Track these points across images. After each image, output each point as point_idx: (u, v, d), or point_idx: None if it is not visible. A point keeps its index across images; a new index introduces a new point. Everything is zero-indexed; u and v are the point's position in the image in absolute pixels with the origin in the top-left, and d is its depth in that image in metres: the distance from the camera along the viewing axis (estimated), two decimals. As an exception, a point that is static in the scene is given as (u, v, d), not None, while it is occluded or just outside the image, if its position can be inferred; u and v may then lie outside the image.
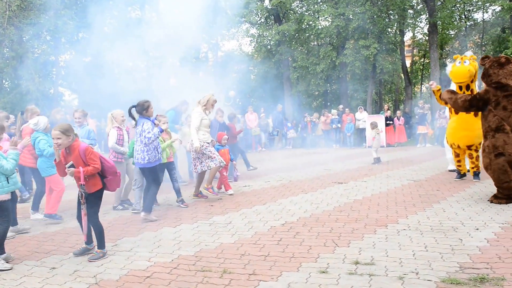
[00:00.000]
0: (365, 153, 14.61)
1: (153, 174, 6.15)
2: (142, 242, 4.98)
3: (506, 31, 25.98)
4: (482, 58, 6.36)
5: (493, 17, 29.10)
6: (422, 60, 36.50)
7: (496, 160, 5.95)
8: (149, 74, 19.84)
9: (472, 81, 7.32)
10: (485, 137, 6.23)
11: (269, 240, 4.82)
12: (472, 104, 6.29)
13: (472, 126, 7.36)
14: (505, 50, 20.02)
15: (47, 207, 6.20)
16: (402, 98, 39.79)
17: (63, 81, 24.29)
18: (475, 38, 32.25)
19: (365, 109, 20.15)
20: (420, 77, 37.44)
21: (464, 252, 4.08)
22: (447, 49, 32.58)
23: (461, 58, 7.35)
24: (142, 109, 6.06)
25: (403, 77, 34.79)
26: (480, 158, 6.91)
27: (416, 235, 4.71)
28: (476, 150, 7.65)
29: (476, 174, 7.98)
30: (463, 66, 7.19)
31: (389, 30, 23.81)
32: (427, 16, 22.80)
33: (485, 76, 6.15)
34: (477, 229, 4.83)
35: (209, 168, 7.20)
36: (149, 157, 6.02)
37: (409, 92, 30.26)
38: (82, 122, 7.10)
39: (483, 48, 31.15)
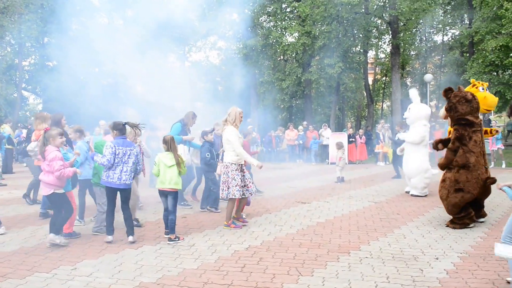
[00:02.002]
0: (328, 170, 14.81)
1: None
2: (103, 266, 4.73)
3: (464, 55, 27.24)
4: (446, 91, 6.54)
5: (452, 40, 30.53)
6: (384, 78, 37.66)
7: (454, 194, 6.15)
8: (116, 82, 19.38)
9: None
10: (448, 168, 6.37)
11: (233, 266, 4.70)
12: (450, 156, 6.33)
13: None
14: (464, 74, 20.88)
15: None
16: (363, 114, 40.89)
17: (27, 85, 23.34)
18: (435, 60, 33.71)
19: (328, 126, 20.52)
20: (381, 95, 38.61)
21: (424, 284, 4.12)
22: (407, 69, 33.81)
23: (482, 84, 7.30)
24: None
25: (365, 94, 35.79)
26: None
27: (378, 264, 4.73)
28: None
29: None
30: (492, 96, 7.40)
31: (353, 49, 24.43)
32: (390, 37, 23.56)
33: (452, 111, 6.33)
34: (437, 258, 4.92)
35: (234, 196, 6.37)
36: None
37: (370, 110, 31.11)
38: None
39: (442, 69, 32.59)
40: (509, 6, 17.07)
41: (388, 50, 27.41)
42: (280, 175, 13.57)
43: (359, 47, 24.99)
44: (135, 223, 6.42)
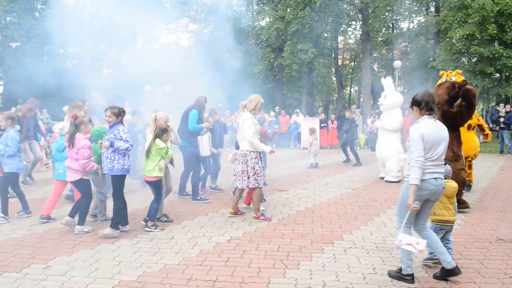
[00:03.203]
0: (301, 155, 14.79)
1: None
2: (78, 264, 4.43)
3: (430, 42, 27.72)
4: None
5: (418, 27, 31.00)
6: (352, 64, 37.97)
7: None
8: (82, 64, 18.60)
9: None
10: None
11: (216, 260, 4.52)
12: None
13: (466, 139, 7.27)
14: (432, 62, 21.14)
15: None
16: (332, 99, 41.27)
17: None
18: (401, 46, 34.20)
19: (300, 112, 20.47)
20: (350, 80, 39.00)
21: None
22: (374, 55, 34.19)
23: (447, 75, 7.24)
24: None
25: (333, 79, 36.02)
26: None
27: (362, 254, 4.68)
28: (470, 161, 7.77)
29: (468, 186, 7.93)
30: None
31: (325, 35, 24.36)
32: (361, 23, 23.61)
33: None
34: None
35: (256, 185, 6.09)
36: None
37: (340, 95, 31.36)
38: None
39: (408, 56, 33.13)
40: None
41: (359, 36, 27.53)
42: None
43: (330, 33, 24.90)
44: (164, 218, 6.10)
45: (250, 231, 5.60)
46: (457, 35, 17.90)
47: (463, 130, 7.50)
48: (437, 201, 4.04)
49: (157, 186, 5.77)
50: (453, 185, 4.28)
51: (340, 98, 31.26)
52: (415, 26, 32.20)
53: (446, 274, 3.93)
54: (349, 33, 30.61)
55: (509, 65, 17.69)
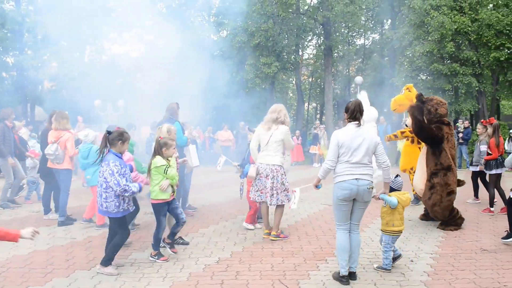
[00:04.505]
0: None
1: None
2: (53, 293, 4.14)
3: (385, 59, 29.04)
4: (419, 96, 6.81)
5: (373, 44, 32.48)
6: (310, 79, 38.93)
7: (447, 197, 6.38)
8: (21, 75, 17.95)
9: None
10: (434, 174, 6.47)
11: (209, 283, 4.40)
12: (433, 134, 6.47)
13: (410, 151, 7.96)
14: (392, 78, 22.05)
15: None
16: (292, 115, 41.96)
17: None
18: (357, 62, 35.59)
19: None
20: (308, 95, 39.89)
21: (412, 289, 4.18)
22: (332, 71, 35.33)
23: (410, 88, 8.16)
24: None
25: (290, 95, 36.70)
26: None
27: (359, 270, 4.72)
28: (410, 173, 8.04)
29: (416, 198, 8.37)
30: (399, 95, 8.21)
31: (288, 50, 24.86)
32: (323, 39, 24.29)
33: (432, 113, 6.55)
34: (412, 261, 5.06)
35: (284, 202, 6.02)
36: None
37: (301, 111, 31.97)
38: None
39: (364, 73, 34.51)
40: (435, 14, 18.50)
41: (320, 51, 28.31)
42: (220, 178, 13.23)
43: (292, 47, 25.49)
44: (180, 241, 5.80)
45: (237, 251, 5.51)
46: (417, 52, 18.87)
47: (407, 143, 8.02)
48: (367, 202, 4.50)
49: (157, 211, 5.11)
50: (408, 195, 4.75)
51: (300, 113, 31.86)
52: (370, 43, 33.71)
53: (336, 277, 4.41)
54: (311, 48, 31.44)
55: (465, 82, 18.87)
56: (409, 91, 8.21)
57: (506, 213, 7.38)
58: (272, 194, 5.96)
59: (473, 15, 18.92)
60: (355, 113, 4.42)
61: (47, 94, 26.28)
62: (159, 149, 5.06)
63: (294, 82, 33.25)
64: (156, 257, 5.10)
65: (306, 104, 40.93)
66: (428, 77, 20.99)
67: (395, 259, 4.81)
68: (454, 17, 18.62)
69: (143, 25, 24.96)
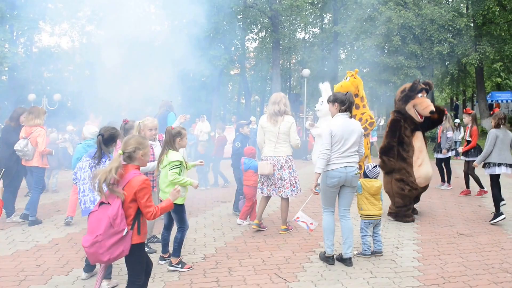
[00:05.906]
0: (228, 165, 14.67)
1: None
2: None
3: (326, 52, 29.83)
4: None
5: (312, 38, 33.32)
6: (252, 72, 39.11)
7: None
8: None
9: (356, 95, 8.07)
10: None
11: (205, 281, 4.23)
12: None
13: None
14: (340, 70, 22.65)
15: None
16: (231, 108, 42.00)
17: None
18: (298, 55, 36.25)
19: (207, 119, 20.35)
20: (249, 88, 40.08)
21: (409, 275, 4.31)
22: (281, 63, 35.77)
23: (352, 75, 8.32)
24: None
25: (230, 87, 36.65)
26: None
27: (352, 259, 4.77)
28: None
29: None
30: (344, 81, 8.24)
31: (236, 42, 24.77)
32: (272, 31, 24.41)
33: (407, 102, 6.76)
34: (397, 248, 5.21)
35: (297, 193, 6.11)
36: None
37: (248, 104, 32.09)
38: None
39: (306, 66, 35.24)
40: (383, 9, 19.29)
41: (267, 43, 28.42)
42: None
43: (240, 40, 25.41)
44: (154, 239, 5.52)
45: (221, 247, 5.37)
46: (365, 46, 19.61)
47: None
48: (355, 187, 4.71)
49: (178, 212, 4.61)
50: (376, 184, 4.96)
51: (247, 106, 31.93)
52: (311, 37, 34.48)
53: (322, 257, 4.73)
54: (256, 41, 31.49)
55: (410, 74, 19.91)
56: (354, 77, 8.35)
57: (481, 196, 8.03)
58: (293, 185, 5.97)
59: (417, 10, 19.97)
60: (349, 105, 4.61)
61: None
62: (172, 140, 4.51)
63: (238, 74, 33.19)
64: (180, 266, 4.53)
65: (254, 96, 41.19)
66: (374, 70, 21.88)
67: (374, 252, 4.94)
68: (399, 11, 19.54)
69: (77, 16, 23.80)
